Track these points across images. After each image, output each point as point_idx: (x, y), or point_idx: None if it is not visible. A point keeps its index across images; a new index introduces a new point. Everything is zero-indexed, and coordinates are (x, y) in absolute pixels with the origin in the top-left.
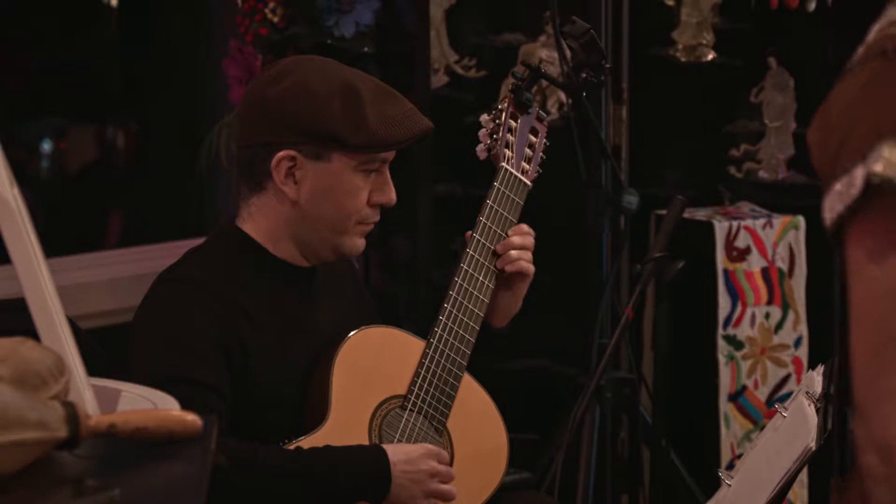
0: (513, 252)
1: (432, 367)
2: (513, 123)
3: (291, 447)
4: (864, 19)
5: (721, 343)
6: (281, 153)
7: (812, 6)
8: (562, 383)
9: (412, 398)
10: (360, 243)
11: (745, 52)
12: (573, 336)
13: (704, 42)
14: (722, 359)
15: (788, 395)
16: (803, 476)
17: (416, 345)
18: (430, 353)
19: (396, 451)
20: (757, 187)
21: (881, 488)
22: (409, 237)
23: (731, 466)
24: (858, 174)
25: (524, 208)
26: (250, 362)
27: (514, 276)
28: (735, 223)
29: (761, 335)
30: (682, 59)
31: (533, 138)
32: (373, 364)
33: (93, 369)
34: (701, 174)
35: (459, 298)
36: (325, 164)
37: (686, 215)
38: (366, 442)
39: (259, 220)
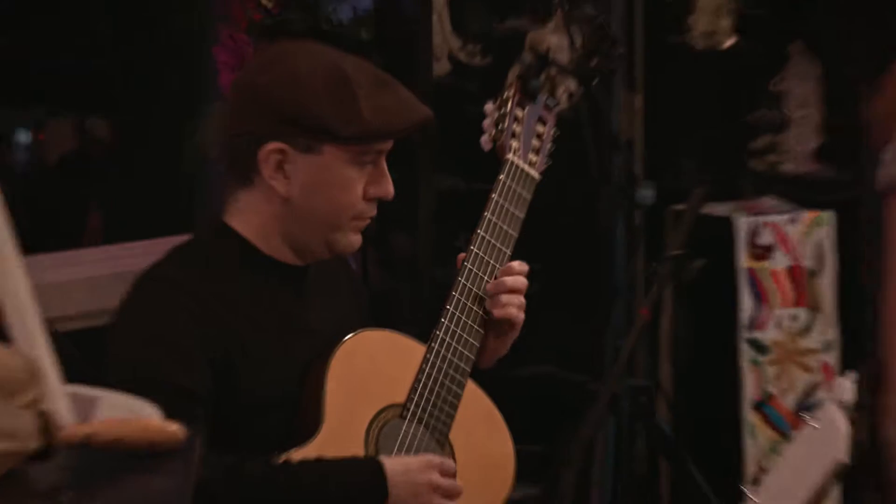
0: (503, 296)
1: (434, 373)
2: (519, 113)
3: (281, 460)
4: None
5: (744, 347)
6: (269, 146)
7: None
8: (571, 391)
9: (412, 407)
10: (356, 240)
11: (766, 38)
12: (584, 340)
13: (722, 28)
14: (745, 364)
15: (817, 402)
16: (836, 493)
17: (416, 349)
18: (432, 358)
19: (394, 464)
20: (781, 181)
21: None
22: (409, 233)
23: (756, 481)
24: None
25: (531, 203)
26: (237, 369)
27: (503, 321)
28: (758, 219)
29: (787, 339)
30: (700, 46)
31: (541, 128)
32: (370, 370)
33: (69, 375)
34: (721, 167)
35: (463, 299)
36: (316, 156)
37: (705, 210)
38: (361, 454)
39: (248, 216)
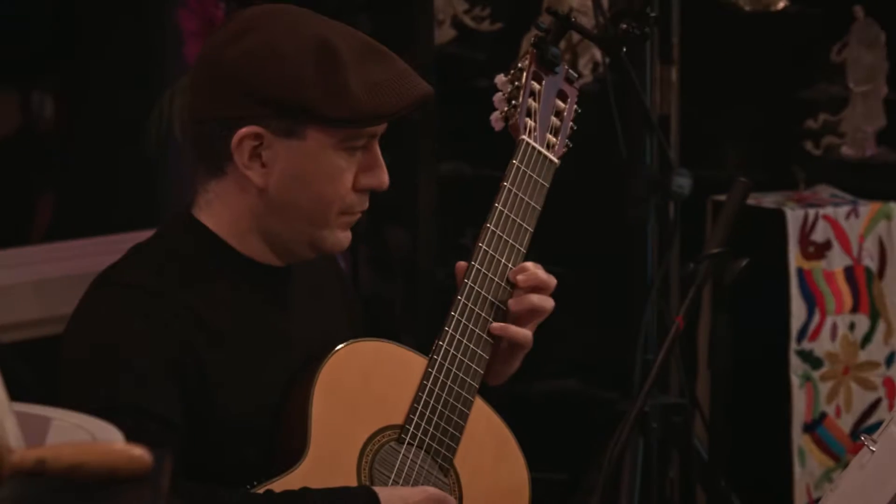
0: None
1: (437, 390)
2: (536, 86)
3: (261, 490)
4: None
5: (794, 360)
6: (243, 130)
7: None
8: (597, 410)
9: (411, 429)
10: (345, 237)
11: None
12: (611, 351)
13: None
14: (796, 380)
15: (878, 424)
16: None
17: (415, 362)
18: (434, 372)
19: (391, 496)
20: (839, 167)
21: None
22: (406, 228)
23: None
24: None
25: (550, 192)
26: (210, 386)
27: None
28: (812, 212)
29: (844, 350)
30: (747, 8)
31: (561, 104)
32: (362, 387)
33: (16, 392)
34: (769, 151)
35: (470, 304)
36: (298, 142)
37: (751, 202)
38: (354, 483)
39: (219, 210)
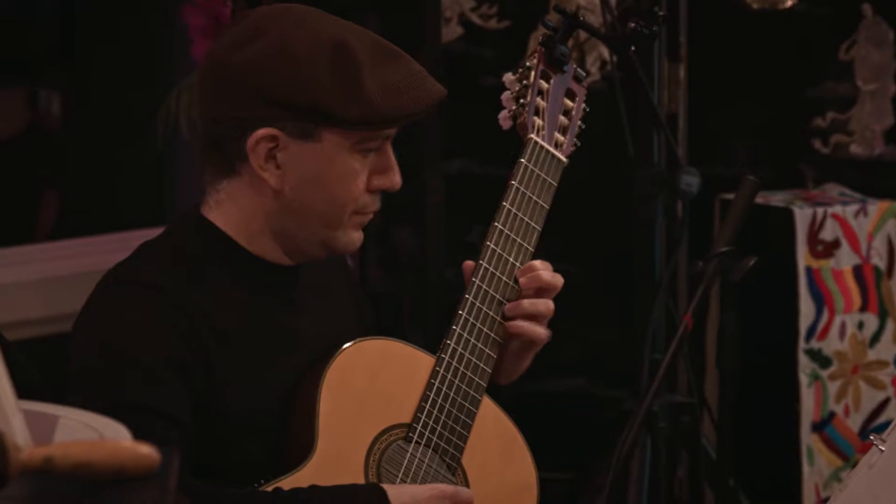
0: (521, 323)
1: (444, 388)
2: (544, 85)
3: (269, 488)
4: None
5: (803, 359)
6: (260, 132)
7: None
8: (604, 409)
9: (419, 428)
10: (357, 237)
11: None
12: (619, 350)
13: None
14: (804, 379)
15: (887, 423)
16: None
17: (423, 361)
18: (442, 371)
19: (400, 493)
20: (848, 165)
21: None
22: (414, 227)
23: None
24: None
25: (558, 191)
26: (217, 385)
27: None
28: (820, 210)
29: (853, 350)
30: (755, 6)
31: (569, 103)
32: (370, 385)
33: (23, 390)
34: (777, 149)
35: (478, 303)
36: (313, 144)
37: (759, 200)
38: (361, 481)
39: (230, 210)
